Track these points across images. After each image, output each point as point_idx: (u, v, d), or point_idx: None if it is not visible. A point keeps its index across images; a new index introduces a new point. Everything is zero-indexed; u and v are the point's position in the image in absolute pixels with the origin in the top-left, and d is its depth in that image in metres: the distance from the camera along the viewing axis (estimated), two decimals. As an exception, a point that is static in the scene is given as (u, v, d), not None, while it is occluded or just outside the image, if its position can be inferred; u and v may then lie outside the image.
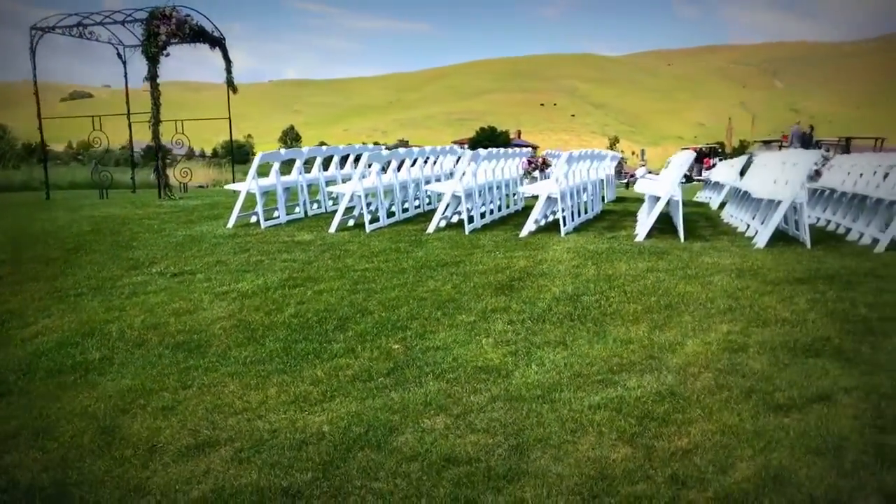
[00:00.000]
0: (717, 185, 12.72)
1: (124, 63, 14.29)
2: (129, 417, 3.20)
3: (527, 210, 8.85)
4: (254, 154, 8.91)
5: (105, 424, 3.12)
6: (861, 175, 7.55)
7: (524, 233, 7.46)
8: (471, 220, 7.87)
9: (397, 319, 4.40)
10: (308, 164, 10.05)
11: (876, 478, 2.38)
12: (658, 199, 7.24)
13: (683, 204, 7.34)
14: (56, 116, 15.20)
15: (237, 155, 38.73)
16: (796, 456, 2.54)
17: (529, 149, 15.28)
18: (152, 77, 12.66)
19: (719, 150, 49.27)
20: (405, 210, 9.17)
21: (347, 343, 4.04)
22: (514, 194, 10.26)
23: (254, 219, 8.64)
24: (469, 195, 7.94)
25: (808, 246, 6.41)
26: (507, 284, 5.14)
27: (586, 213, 9.15)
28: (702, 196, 14.21)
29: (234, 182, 12.69)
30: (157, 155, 13.22)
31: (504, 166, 9.64)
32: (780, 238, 6.76)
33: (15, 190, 16.98)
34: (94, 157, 18.58)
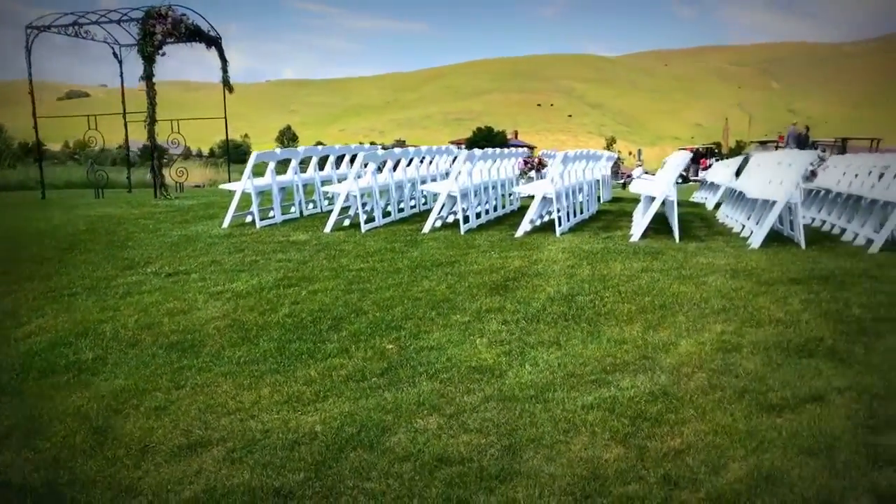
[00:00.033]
0: (713, 186, 12.74)
1: (120, 62, 14.29)
2: (122, 417, 3.19)
3: (522, 210, 8.85)
4: (251, 153, 8.89)
5: (97, 424, 3.11)
6: (856, 176, 7.57)
7: (519, 233, 7.46)
8: (466, 220, 7.87)
9: (392, 319, 4.39)
10: (304, 164, 10.05)
11: (868, 478, 2.38)
12: (653, 199, 7.25)
13: (679, 204, 7.36)
14: (52, 116, 15.18)
15: (234, 154, 38.65)
16: (788, 456, 2.54)
17: (526, 149, 15.29)
18: (148, 76, 12.66)
19: (716, 151, 49.39)
20: (401, 210, 9.17)
21: (341, 343, 4.03)
22: (510, 194, 10.26)
23: (249, 218, 8.63)
24: (464, 195, 7.94)
25: (803, 246, 6.42)
26: (502, 284, 5.15)
27: (582, 213, 9.15)
28: (697, 196, 14.24)
29: (229, 182, 12.68)
30: (153, 154, 13.20)
31: (500, 166, 9.64)
32: (775, 238, 6.77)
33: (11, 189, 16.93)
34: (90, 157, 18.54)
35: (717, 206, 11.07)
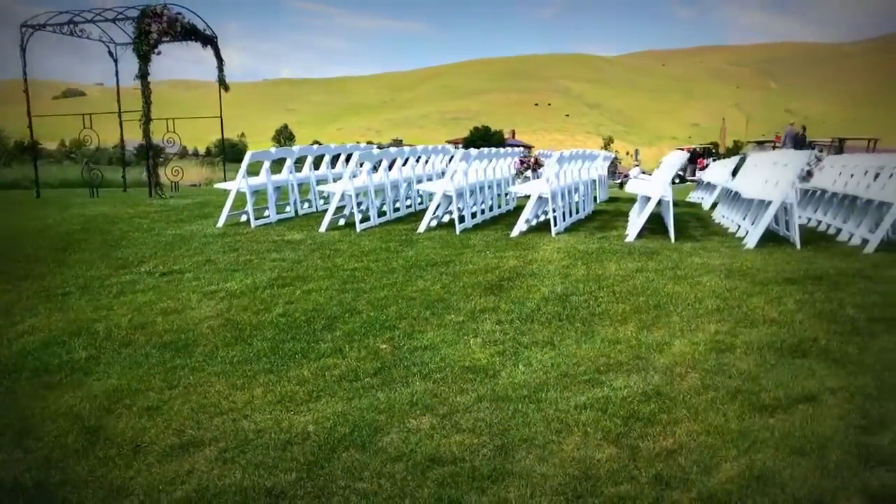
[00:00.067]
0: (710, 186, 12.75)
1: (116, 61, 14.24)
2: (115, 417, 3.18)
3: (518, 210, 8.85)
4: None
5: (90, 424, 3.10)
6: (852, 176, 7.58)
7: (515, 233, 7.46)
8: (462, 219, 7.87)
9: (386, 319, 4.39)
10: (299, 163, 10.03)
11: (859, 478, 2.38)
12: (649, 199, 7.26)
13: (675, 204, 7.36)
14: (47, 115, 15.14)
15: (231, 154, 38.62)
16: (780, 456, 2.55)
17: (523, 148, 15.29)
18: (143, 75, 12.62)
19: (713, 151, 49.42)
20: (396, 209, 9.16)
21: (335, 343, 4.03)
22: (506, 194, 10.26)
23: (244, 218, 8.62)
24: (460, 195, 7.94)
25: (798, 246, 6.43)
26: (497, 284, 5.14)
27: (578, 213, 9.15)
28: (694, 196, 14.24)
29: (225, 181, 12.65)
30: (148, 154, 13.16)
31: (496, 166, 9.64)
32: (771, 238, 6.78)
33: (6, 188, 16.90)
34: (85, 156, 18.49)
35: (714, 206, 11.07)
